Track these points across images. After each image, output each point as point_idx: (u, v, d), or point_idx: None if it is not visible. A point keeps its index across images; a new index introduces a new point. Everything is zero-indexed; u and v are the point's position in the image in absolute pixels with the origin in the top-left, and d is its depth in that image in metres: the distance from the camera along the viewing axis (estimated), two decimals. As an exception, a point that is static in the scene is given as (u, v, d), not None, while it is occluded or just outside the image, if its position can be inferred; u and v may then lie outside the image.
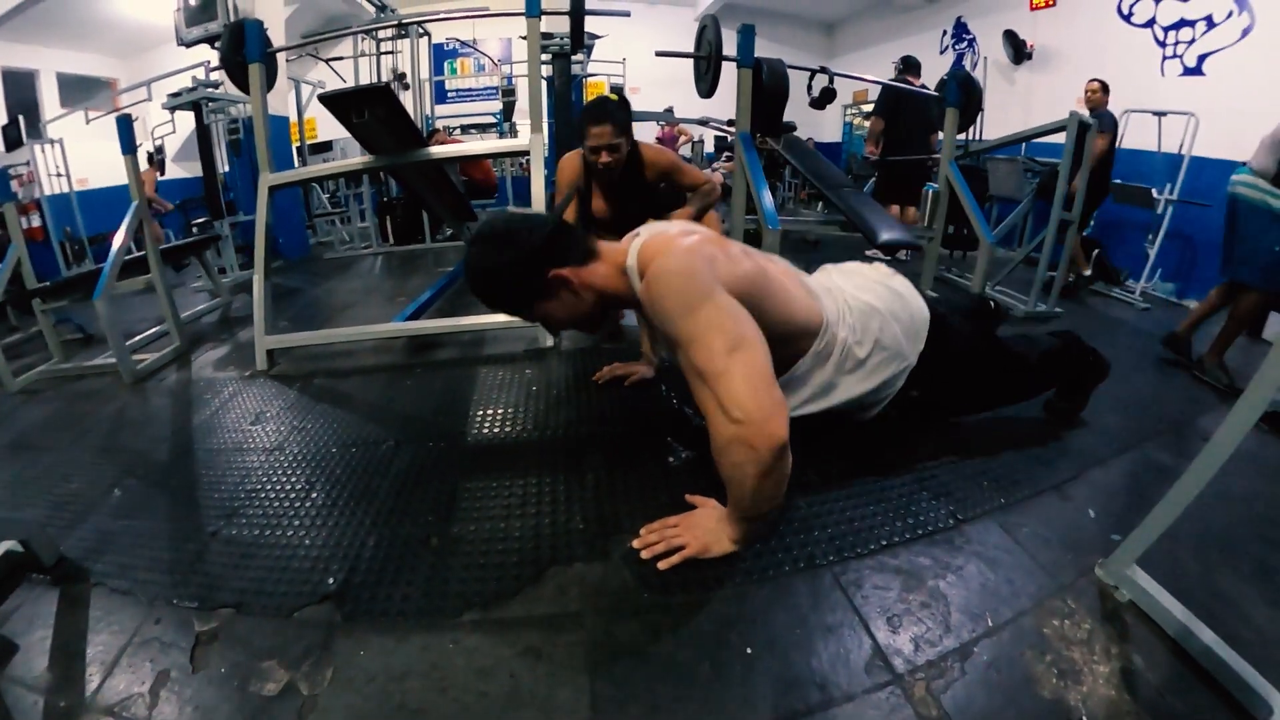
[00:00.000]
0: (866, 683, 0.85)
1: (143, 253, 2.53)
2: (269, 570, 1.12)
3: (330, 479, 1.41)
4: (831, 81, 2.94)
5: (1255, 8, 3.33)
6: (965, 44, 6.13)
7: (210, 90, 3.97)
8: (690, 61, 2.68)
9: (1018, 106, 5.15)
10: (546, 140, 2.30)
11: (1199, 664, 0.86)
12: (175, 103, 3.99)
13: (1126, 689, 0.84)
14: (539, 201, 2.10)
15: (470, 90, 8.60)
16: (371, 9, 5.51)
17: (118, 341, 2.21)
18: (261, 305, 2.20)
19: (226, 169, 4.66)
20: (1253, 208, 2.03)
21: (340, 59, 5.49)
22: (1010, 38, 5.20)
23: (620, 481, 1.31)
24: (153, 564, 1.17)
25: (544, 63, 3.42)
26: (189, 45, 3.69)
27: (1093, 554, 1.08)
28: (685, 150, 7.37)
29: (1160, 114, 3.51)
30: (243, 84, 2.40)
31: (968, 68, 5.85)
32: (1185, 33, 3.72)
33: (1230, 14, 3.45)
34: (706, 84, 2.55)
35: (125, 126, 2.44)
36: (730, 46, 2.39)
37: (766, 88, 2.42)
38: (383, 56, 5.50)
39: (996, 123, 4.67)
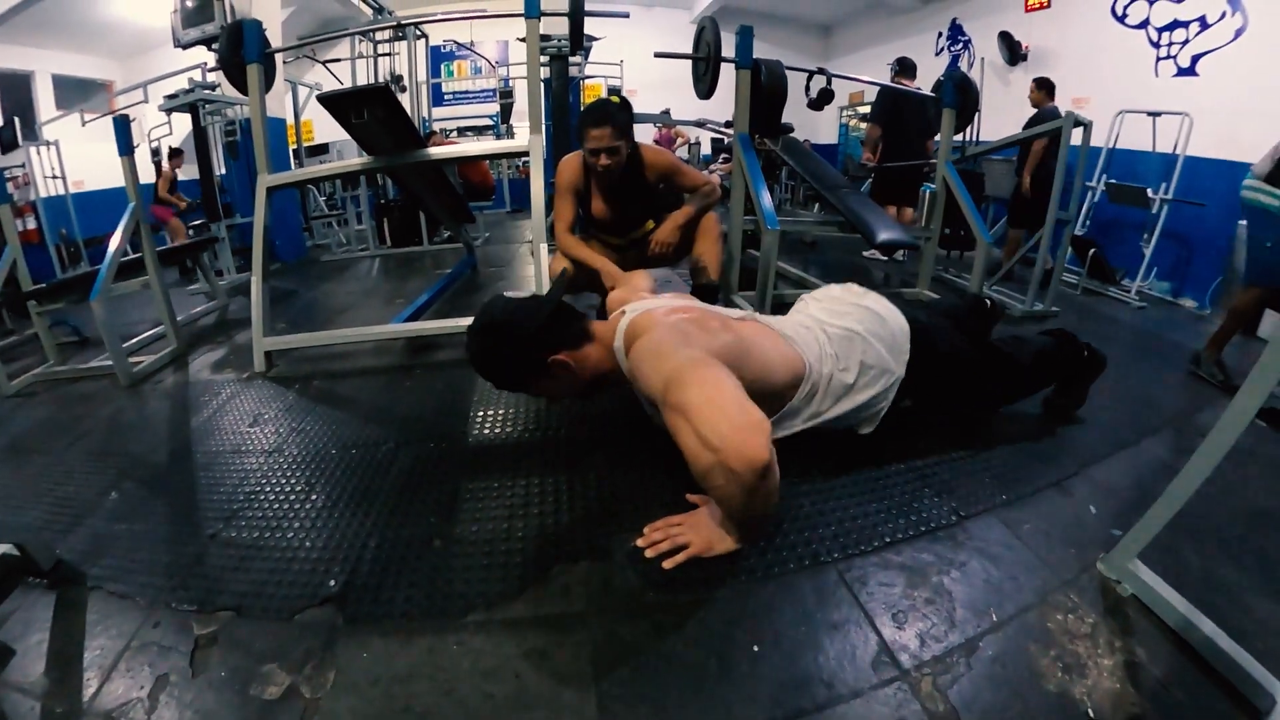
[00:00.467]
0: (873, 679, 0.85)
1: (139, 254, 2.52)
2: (269, 573, 1.11)
3: (330, 481, 1.40)
4: (829, 83, 2.94)
5: (1248, 9, 3.36)
6: (961, 46, 6.16)
7: (207, 92, 3.95)
8: (687, 64, 2.68)
9: (1013, 108, 5.16)
10: (544, 142, 2.29)
11: (1201, 656, 0.87)
12: (172, 105, 3.96)
13: (1130, 682, 0.84)
14: (538, 201, 2.10)
15: (467, 93, 8.59)
16: (369, 11, 5.51)
17: (114, 344, 2.20)
18: (260, 306, 2.18)
19: (223, 171, 4.64)
20: (1250, 207, 2.07)
21: (337, 61, 5.47)
22: (1005, 39, 5.23)
23: (623, 481, 1.31)
24: (151, 567, 1.16)
25: (542, 64, 3.42)
26: (186, 47, 3.68)
27: (1094, 549, 1.09)
28: (681, 152, 7.40)
29: (1155, 114, 3.53)
30: (241, 85, 2.38)
31: (964, 69, 5.88)
32: (1179, 34, 3.75)
33: (1223, 15, 3.48)
34: (705, 85, 2.55)
35: (123, 127, 2.43)
36: (729, 48, 2.40)
37: (765, 89, 2.43)
38: (380, 59, 5.49)
39: (992, 124, 4.69)
